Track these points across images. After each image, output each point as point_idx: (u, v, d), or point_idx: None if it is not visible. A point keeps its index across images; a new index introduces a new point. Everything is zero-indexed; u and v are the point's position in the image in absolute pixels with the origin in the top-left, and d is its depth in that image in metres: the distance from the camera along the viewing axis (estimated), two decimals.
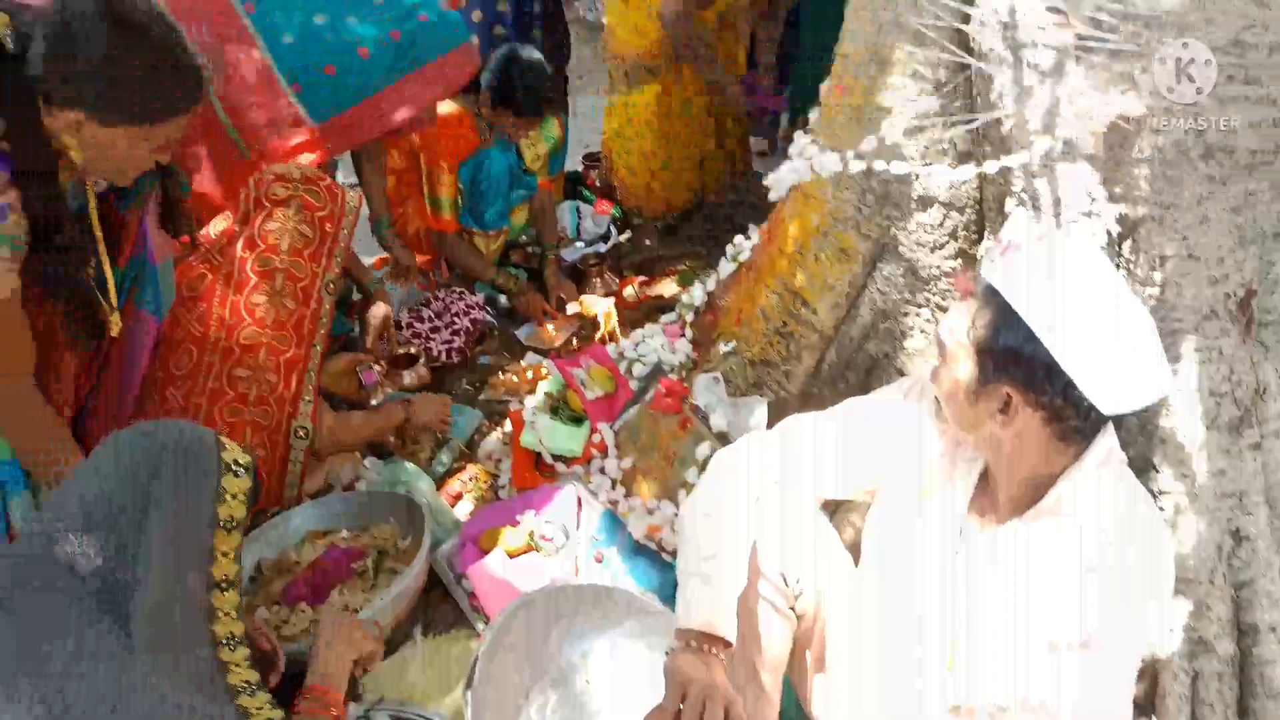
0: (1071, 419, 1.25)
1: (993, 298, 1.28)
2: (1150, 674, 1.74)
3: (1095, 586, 1.26)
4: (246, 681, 1.26)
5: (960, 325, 1.34)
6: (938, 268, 2.11)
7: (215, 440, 1.30)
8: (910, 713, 1.47)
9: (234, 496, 1.27)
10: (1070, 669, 1.26)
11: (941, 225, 2.09)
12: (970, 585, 1.42)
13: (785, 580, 1.59)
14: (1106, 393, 1.21)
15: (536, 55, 2.93)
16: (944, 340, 1.37)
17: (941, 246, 2.10)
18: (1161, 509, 1.80)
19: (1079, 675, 1.26)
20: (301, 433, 2.10)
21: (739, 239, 2.39)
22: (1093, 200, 1.78)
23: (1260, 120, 1.63)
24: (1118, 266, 1.82)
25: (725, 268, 2.41)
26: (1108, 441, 1.32)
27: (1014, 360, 1.25)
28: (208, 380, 2.01)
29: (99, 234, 1.76)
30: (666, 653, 1.41)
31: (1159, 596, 1.33)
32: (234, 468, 1.29)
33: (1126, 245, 1.80)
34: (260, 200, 2.09)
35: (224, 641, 1.26)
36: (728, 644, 1.41)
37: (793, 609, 1.62)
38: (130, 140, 1.62)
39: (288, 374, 2.06)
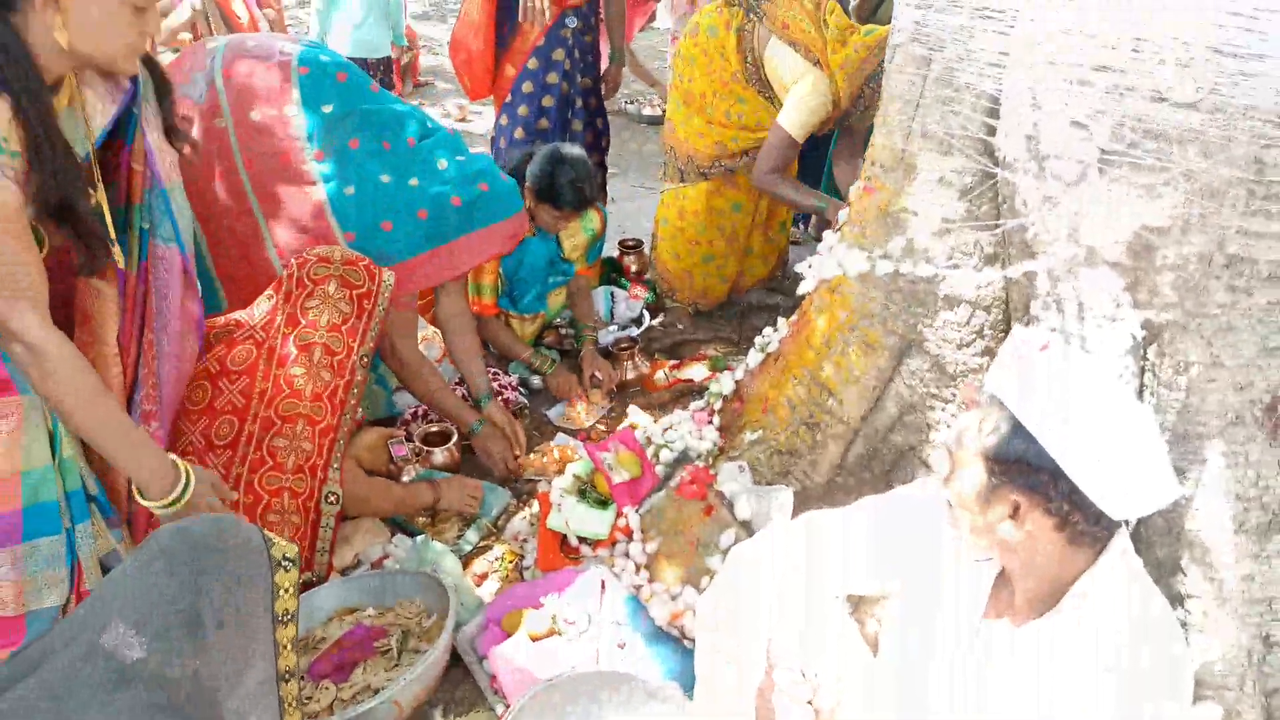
0: (1081, 523, 1.27)
1: (998, 407, 1.31)
2: None
3: (1112, 687, 1.26)
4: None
5: (968, 434, 1.36)
6: (964, 364, 2.14)
7: (263, 537, 1.34)
8: None
9: (286, 591, 1.31)
10: None
11: (968, 324, 2.12)
12: (985, 685, 1.42)
13: (804, 674, 1.59)
14: (1114, 497, 1.23)
15: (579, 152, 3.04)
16: (952, 449, 1.39)
17: (968, 344, 2.14)
18: (1189, 612, 1.78)
19: None
20: (332, 498, 2.16)
21: (768, 330, 2.44)
22: (1117, 306, 1.82)
23: (1277, 234, 1.67)
24: (1142, 371, 1.84)
25: (754, 358, 2.45)
26: (1121, 543, 1.34)
27: (1020, 467, 1.27)
28: (249, 450, 2.07)
29: (96, 168, 1.75)
30: None
31: (1177, 699, 1.32)
32: (283, 563, 1.33)
33: (1152, 350, 1.82)
34: (302, 280, 2.19)
35: None
36: None
37: (810, 703, 1.61)
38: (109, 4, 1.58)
39: (320, 442, 2.12)
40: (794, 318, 2.47)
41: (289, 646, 1.30)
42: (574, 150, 3.04)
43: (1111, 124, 1.68)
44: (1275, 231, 1.66)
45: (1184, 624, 1.81)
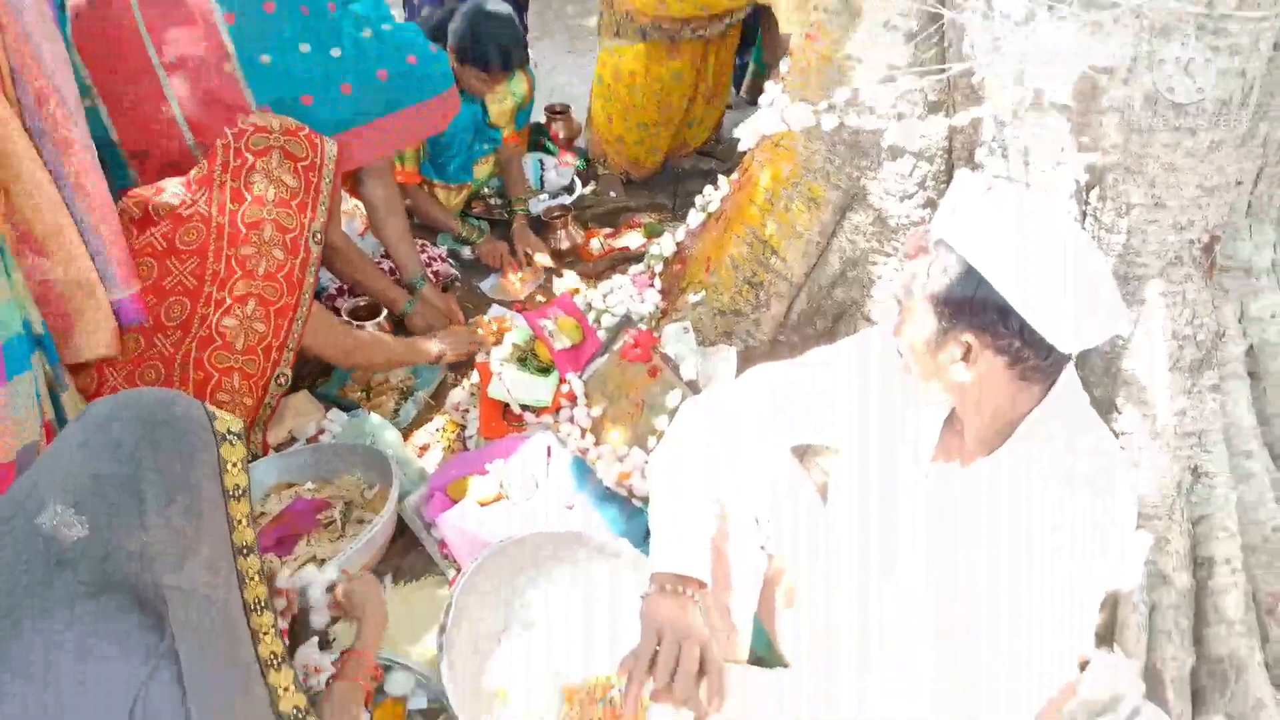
0: (1031, 359, 1.27)
1: (945, 250, 1.29)
2: (1110, 606, 1.79)
3: (1059, 513, 1.29)
4: (273, 654, 1.24)
5: (916, 280, 1.34)
6: (907, 216, 2.13)
7: (206, 411, 1.26)
8: (875, 643, 1.50)
9: (234, 465, 1.24)
10: (1034, 589, 1.29)
11: (911, 175, 2.10)
12: (934, 526, 1.44)
13: (756, 520, 1.60)
14: (1063, 331, 1.23)
15: (504, 9, 2.87)
16: (900, 297, 1.38)
17: (911, 196, 2.11)
18: (1124, 449, 1.85)
19: (1041, 596, 1.28)
20: (281, 379, 2.09)
21: (708, 189, 2.39)
22: (1062, 150, 1.80)
23: (1227, 70, 1.66)
24: (1084, 215, 1.85)
25: (694, 218, 2.40)
26: (1068, 378, 1.35)
27: (970, 308, 1.26)
28: (199, 329, 1.97)
29: None
30: (641, 597, 1.42)
31: (1118, 524, 1.36)
32: (228, 437, 1.25)
33: (1094, 193, 1.82)
34: (240, 151, 2.05)
35: (252, 607, 1.24)
36: (702, 585, 1.42)
37: (763, 547, 1.63)
38: None
39: (277, 323, 2.03)
40: (735, 175, 2.41)
41: (244, 522, 1.24)
42: (499, 7, 2.86)
43: None
44: (1222, 68, 1.65)
45: None
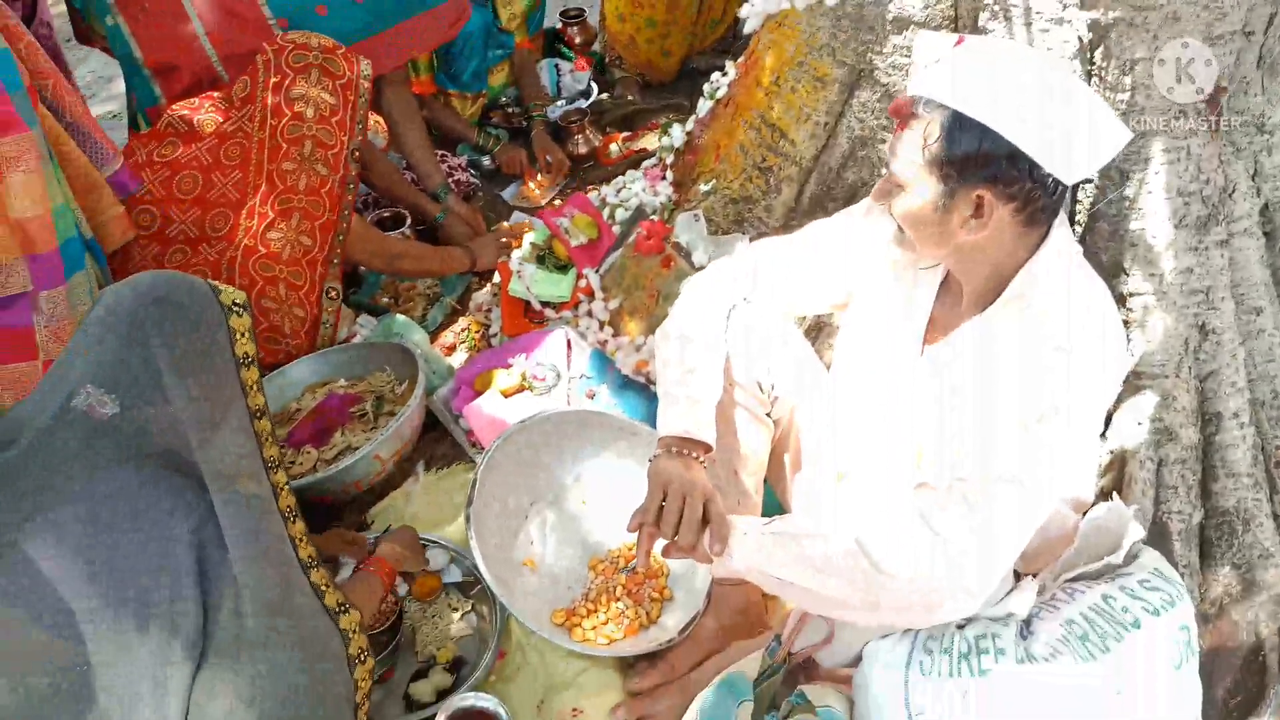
0: (1039, 199, 1.28)
1: (936, 111, 1.28)
2: (1118, 463, 1.83)
3: (1052, 363, 1.31)
4: (289, 506, 1.34)
5: (911, 150, 1.33)
6: None
7: (210, 286, 1.34)
8: (881, 503, 1.55)
9: (243, 335, 1.32)
10: (1028, 442, 1.31)
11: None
12: (936, 381, 1.47)
13: (761, 387, 1.65)
14: (1068, 159, 1.24)
15: None
16: (898, 171, 1.37)
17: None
18: (1130, 309, 1.86)
19: (1035, 447, 1.31)
20: (333, 293, 2.19)
21: (715, 76, 2.39)
22: (1064, 7, 1.78)
23: None
24: (1089, 74, 1.83)
25: (703, 107, 2.40)
26: (1061, 232, 1.36)
27: (977, 161, 1.26)
28: (244, 239, 2.06)
29: None
30: (650, 460, 1.48)
31: (1106, 371, 1.38)
32: (234, 308, 1.33)
33: (1098, 52, 1.80)
34: (281, 67, 2.10)
35: (269, 465, 1.34)
36: (707, 447, 1.48)
37: (769, 415, 1.69)
38: None
39: (322, 238, 2.12)
40: (741, 59, 2.40)
41: (255, 387, 1.33)
42: None
43: None
44: None
45: (1125, 323, 1.89)
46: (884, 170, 2.20)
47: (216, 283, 1.35)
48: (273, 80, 2.11)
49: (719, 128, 2.39)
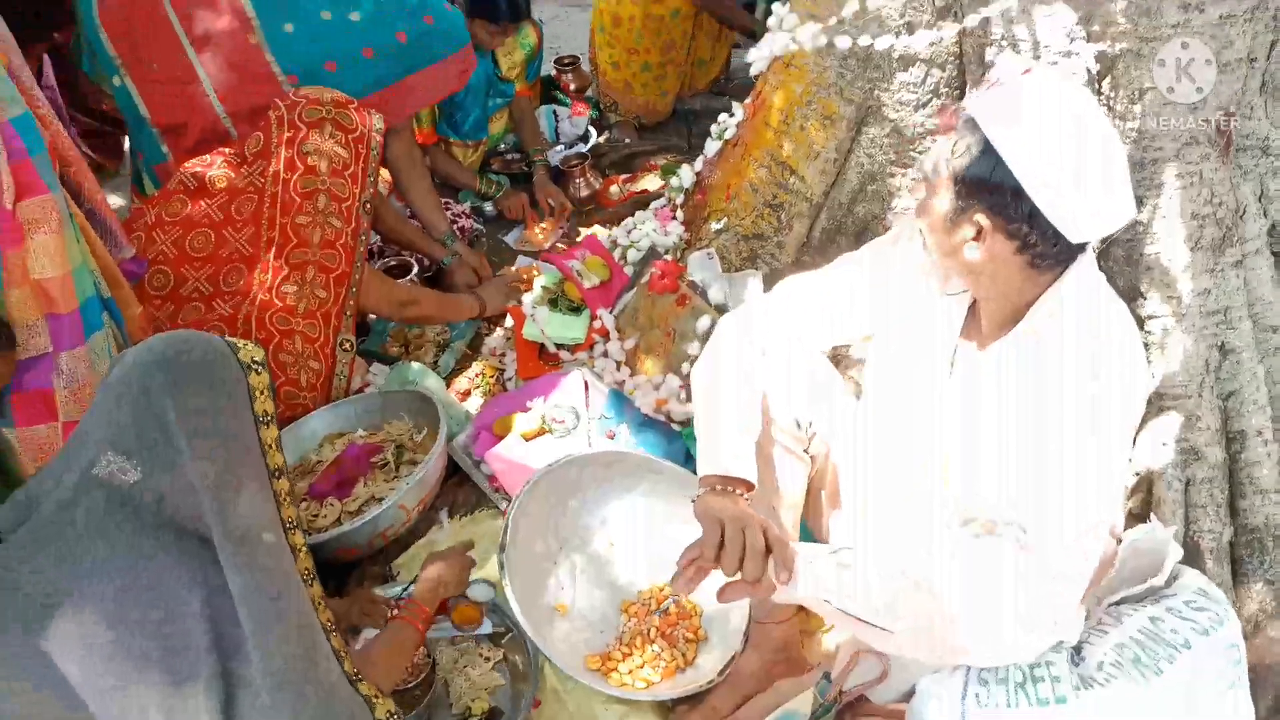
0: (1039, 246, 1.28)
1: (972, 129, 1.30)
2: (1145, 485, 1.83)
3: (1073, 398, 1.30)
4: (307, 569, 1.32)
5: (940, 157, 1.36)
6: (921, 125, 2.14)
7: (228, 343, 1.32)
8: (921, 535, 1.54)
9: (262, 392, 1.30)
10: (1053, 475, 1.31)
11: (924, 83, 2.11)
12: (964, 407, 1.47)
13: (799, 424, 1.65)
14: (1071, 220, 1.24)
15: None
16: (926, 172, 1.39)
17: (924, 105, 2.13)
18: (1150, 333, 1.87)
19: (1061, 481, 1.30)
20: (346, 345, 2.17)
21: (723, 116, 2.41)
22: (1071, 40, 1.82)
23: None
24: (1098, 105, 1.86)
25: (711, 147, 2.43)
26: (1081, 269, 1.35)
27: (984, 188, 1.28)
28: (259, 293, 2.05)
29: None
30: (693, 500, 1.46)
31: (1128, 407, 1.37)
32: (253, 365, 1.31)
33: (1106, 82, 1.84)
34: (294, 122, 2.11)
35: (287, 526, 1.31)
36: (750, 485, 1.47)
37: (806, 451, 1.68)
38: None
39: (336, 290, 2.11)
40: (749, 100, 2.43)
41: (274, 446, 1.31)
42: None
43: None
44: None
45: (1145, 345, 1.91)
46: (892, 204, 2.24)
47: (234, 339, 1.33)
48: (286, 135, 2.12)
49: (728, 167, 2.42)
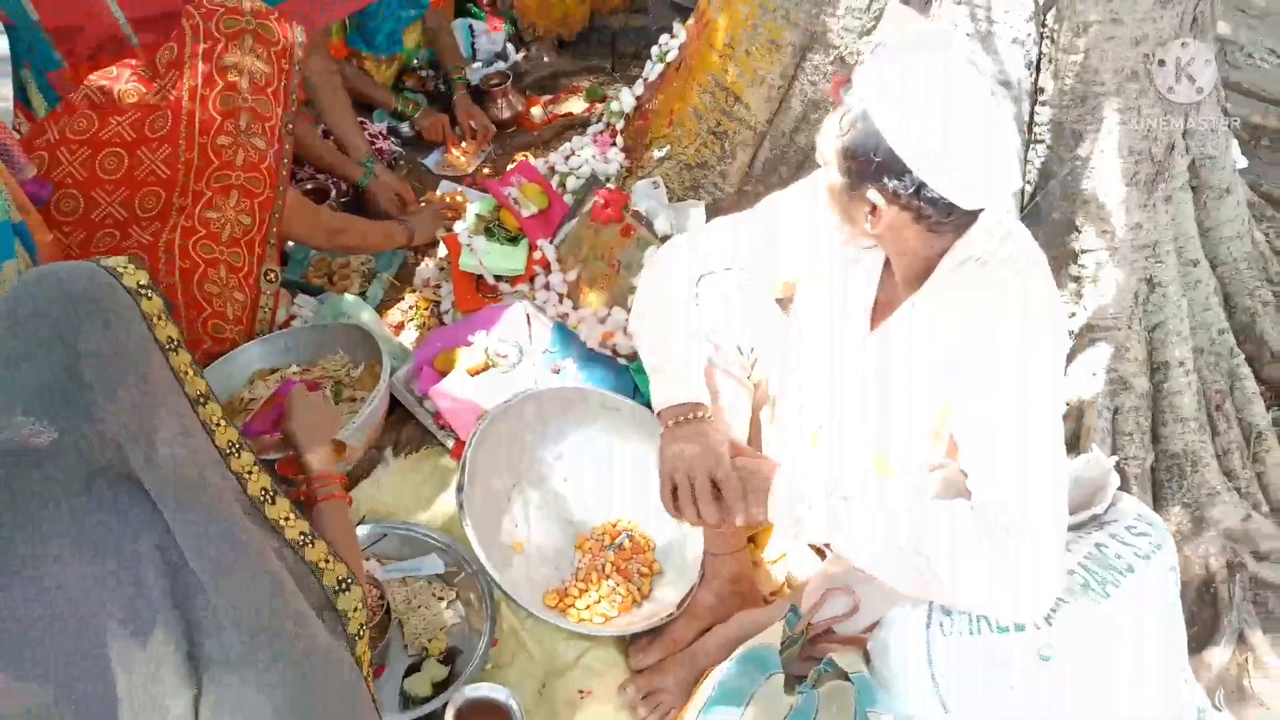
0: (934, 216, 1.28)
1: (857, 102, 1.27)
2: (1076, 414, 1.92)
3: (988, 347, 1.32)
4: (264, 489, 1.25)
5: (829, 132, 1.33)
6: (865, 54, 2.13)
7: (107, 269, 1.20)
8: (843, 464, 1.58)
9: (159, 318, 1.20)
10: (974, 423, 1.34)
11: (868, 9, 2.09)
12: (883, 359, 1.49)
13: (741, 351, 1.64)
14: (960, 191, 1.24)
15: None
16: (820, 146, 1.36)
17: (868, 31, 2.12)
18: (1083, 266, 1.94)
19: (985, 429, 1.32)
20: (271, 275, 2.05)
21: (665, 38, 2.34)
22: None
23: None
24: (1042, 37, 1.88)
25: (653, 69, 2.36)
26: (986, 221, 1.33)
27: (871, 165, 1.26)
28: (179, 219, 1.90)
29: None
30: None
31: (1028, 351, 1.34)
32: (141, 291, 1.20)
33: (1051, 15, 1.85)
34: (211, 33, 1.93)
35: (227, 452, 1.24)
36: (704, 406, 1.46)
37: (749, 378, 1.68)
38: None
39: (260, 216, 1.98)
40: (691, 21, 2.36)
41: (190, 371, 1.21)
42: None
43: None
44: None
45: (1077, 279, 1.98)
46: None
47: (113, 262, 1.20)
48: (202, 47, 1.95)
49: (671, 91, 2.36)
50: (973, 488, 1.32)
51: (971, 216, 1.31)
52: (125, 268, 1.19)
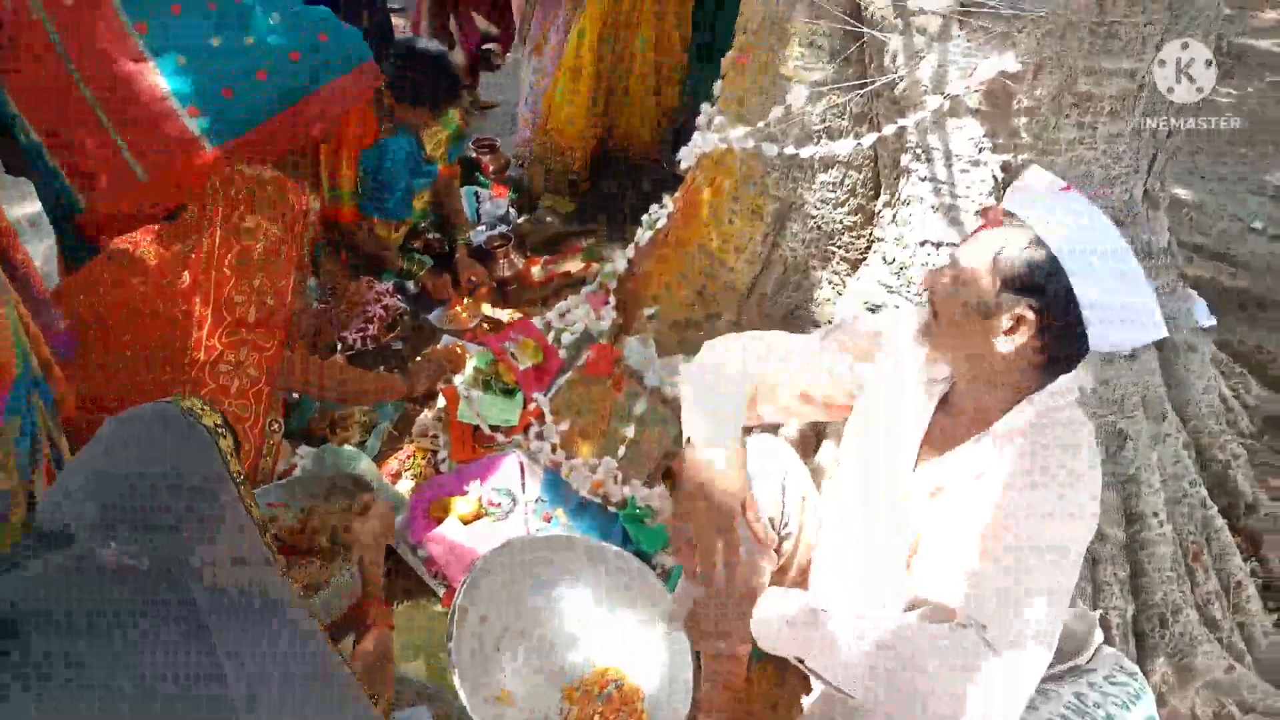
0: (1061, 348, 1.38)
1: (1024, 230, 1.40)
2: None
3: (1036, 501, 1.37)
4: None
5: (986, 247, 1.42)
6: (840, 223, 2.29)
7: (192, 412, 1.30)
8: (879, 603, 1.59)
9: (232, 455, 1.30)
10: (1004, 572, 1.38)
11: (842, 184, 2.26)
12: (924, 500, 1.52)
13: (771, 524, 1.66)
14: (1105, 329, 1.35)
15: (437, 47, 2.97)
16: (962, 259, 1.45)
17: (843, 204, 2.28)
18: None
19: (1013, 579, 1.36)
20: (275, 426, 2.13)
21: (654, 208, 2.51)
22: (979, 150, 1.99)
23: (1117, 70, 1.86)
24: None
25: (643, 235, 2.52)
26: (1066, 381, 1.43)
27: (1034, 286, 1.36)
28: (191, 372, 2.00)
29: None
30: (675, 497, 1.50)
31: (1081, 517, 1.42)
32: (218, 430, 1.30)
33: (1009, 189, 2.01)
34: (229, 198, 2.10)
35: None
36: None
37: (776, 551, 1.69)
38: None
39: (269, 369, 2.08)
40: (678, 193, 2.54)
41: (253, 503, 1.30)
42: (431, 44, 2.96)
43: None
44: (1115, 69, 1.85)
45: None
46: (814, 294, 2.37)
47: (191, 404, 1.31)
48: (221, 211, 2.11)
49: (659, 256, 2.51)
50: (960, 607, 1.36)
51: (1073, 364, 1.40)
52: (202, 409, 1.30)
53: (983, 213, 1.51)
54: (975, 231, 1.48)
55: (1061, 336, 1.37)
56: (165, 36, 2.38)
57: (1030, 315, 1.37)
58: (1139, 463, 2.00)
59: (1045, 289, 1.36)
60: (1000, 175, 1.99)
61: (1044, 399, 1.42)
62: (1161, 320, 1.43)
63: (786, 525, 1.67)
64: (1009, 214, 1.46)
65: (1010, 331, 1.38)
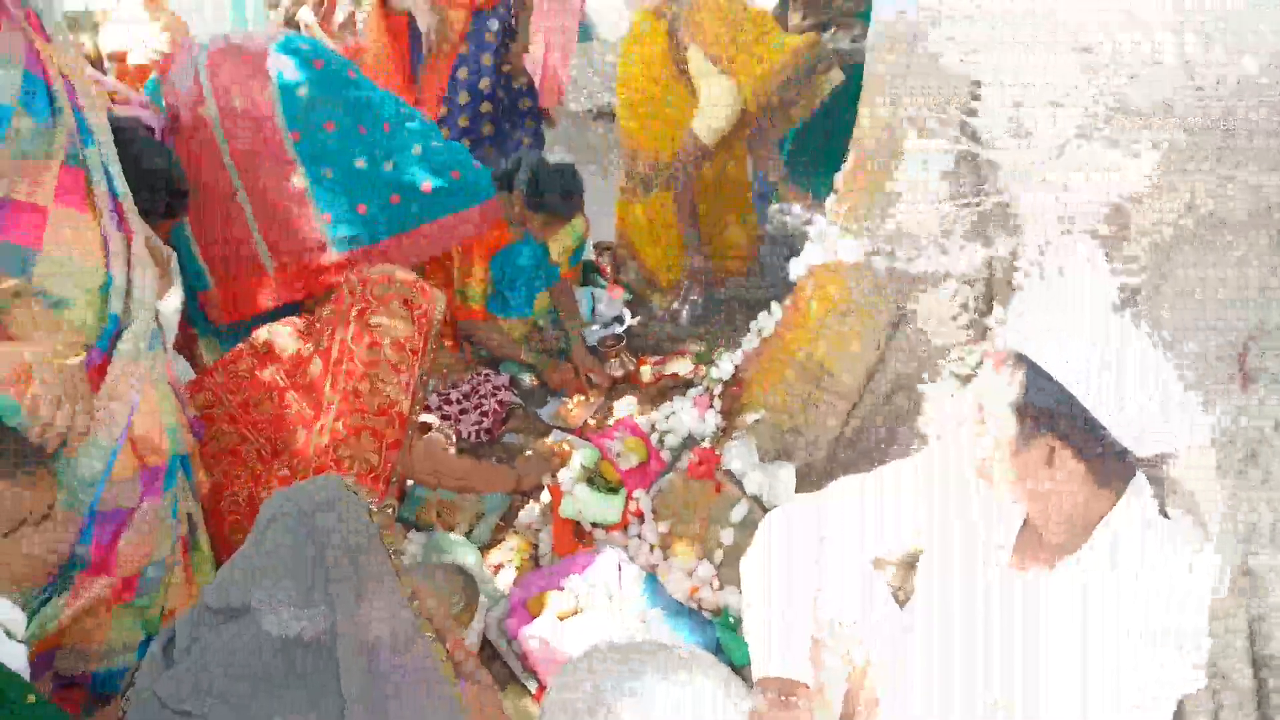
0: (1109, 463, 1.35)
1: (1023, 361, 1.39)
2: (1176, 710, 1.82)
3: (1136, 632, 1.34)
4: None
5: (997, 390, 1.42)
6: (951, 337, 2.27)
7: (350, 487, 1.40)
8: None
9: (386, 528, 1.39)
10: (1114, 693, 1.33)
11: (954, 298, 2.26)
12: (1011, 632, 1.48)
13: (840, 626, 1.66)
14: (1139, 436, 1.32)
15: (566, 161, 3.15)
16: (983, 405, 1.45)
17: (955, 318, 2.27)
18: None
19: (1120, 700, 1.32)
20: (390, 509, 2.23)
21: (763, 316, 2.55)
22: (1094, 269, 1.96)
23: (1246, 185, 1.82)
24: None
25: (750, 342, 2.56)
26: (1140, 485, 1.42)
27: (1053, 415, 1.35)
28: (314, 458, 2.13)
29: None
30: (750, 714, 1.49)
31: (1193, 642, 1.40)
32: (373, 509, 1.40)
33: (1129, 312, 1.96)
34: (364, 296, 2.27)
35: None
36: (807, 688, 1.48)
37: (844, 656, 1.69)
38: None
39: (387, 456, 2.20)
40: (788, 302, 2.58)
41: (403, 576, 1.38)
42: (561, 159, 3.14)
43: (1088, 99, 1.82)
44: (1240, 187, 1.81)
45: None
46: (922, 407, 2.34)
47: (348, 481, 1.41)
48: (356, 308, 2.25)
49: (765, 362, 2.54)
50: None
51: (1134, 468, 1.38)
52: (357, 488, 1.41)
53: (987, 356, 1.50)
54: (988, 369, 1.46)
55: (1101, 453, 1.33)
56: (317, 151, 2.65)
57: (1057, 444, 1.34)
58: (1271, 602, 1.87)
59: (1062, 417, 1.33)
60: (1118, 298, 1.96)
61: (1122, 516, 1.39)
62: (1201, 417, 1.37)
63: (857, 628, 1.66)
64: (1007, 346, 1.42)
65: (1048, 464, 1.36)
